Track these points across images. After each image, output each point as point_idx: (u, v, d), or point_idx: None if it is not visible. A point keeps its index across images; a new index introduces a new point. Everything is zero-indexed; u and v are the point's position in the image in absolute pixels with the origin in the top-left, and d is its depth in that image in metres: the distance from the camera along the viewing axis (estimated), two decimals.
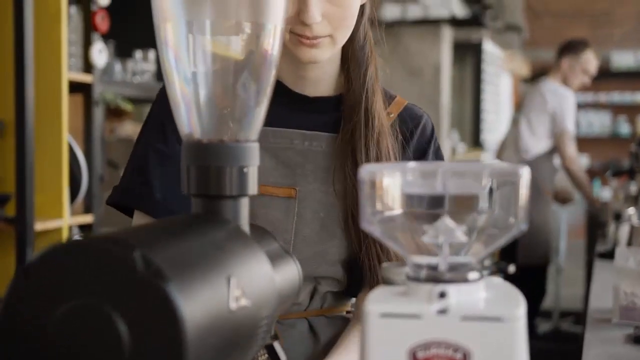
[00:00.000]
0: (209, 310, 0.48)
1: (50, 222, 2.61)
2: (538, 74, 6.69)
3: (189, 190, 0.59)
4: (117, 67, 3.16)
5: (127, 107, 3.23)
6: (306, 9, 1.02)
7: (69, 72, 2.70)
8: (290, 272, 0.67)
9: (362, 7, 1.14)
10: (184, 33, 0.59)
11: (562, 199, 4.43)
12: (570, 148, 3.98)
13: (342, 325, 1.19)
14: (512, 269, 0.60)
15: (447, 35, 5.17)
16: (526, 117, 4.08)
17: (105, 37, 2.98)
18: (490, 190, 0.58)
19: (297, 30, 1.05)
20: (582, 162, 5.67)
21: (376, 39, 1.20)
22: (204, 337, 0.47)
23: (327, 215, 1.13)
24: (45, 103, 2.59)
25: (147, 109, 1.18)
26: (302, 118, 1.15)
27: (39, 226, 2.51)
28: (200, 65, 0.59)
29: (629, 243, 2.16)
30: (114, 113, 3.60)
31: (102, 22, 2.89)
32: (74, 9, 2.80)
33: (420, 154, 1.20)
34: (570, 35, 5.05)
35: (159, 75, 3.28)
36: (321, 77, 1.16)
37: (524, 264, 3.77)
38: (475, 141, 6.45)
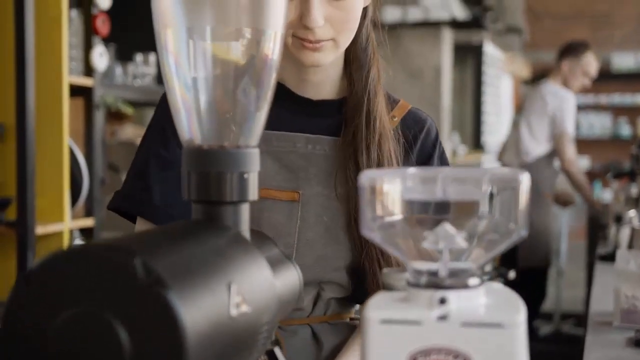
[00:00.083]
0: (210, 317, 0.48)
1: (51, 226, 2.60)
2: (538, 76, 6.71)
3: (190, 196, 0.59)
4: (118, 70, 3.17)
5: (128, 110, 3.24)
6: (309, 12, 1.02)
7: (70, 76, 2.70)
8: (290, 278, 0.67)
9: (365, 9, 1.13)
10: (184, 39, 0.59)
11: (563, 201, 4.43)
12: (569, 150, 3.98)
13: (345, 333, 1.17)
14: (512, 274, 0.60)
15: (448, 38, 5.18)
16: (527, 119, 4.08)
17: (106, 41, 2.98)
18: (491, 196, 0.58)
19: (299, 34, 1.05)
20: (581, 164, 5.66)
21: (378, 41, 1.19)
22: (205, 343, 0.47)
23: (330, 219, 1.12)
24: (45, 106, 2.59)
25: (147, 112, 1.18)
26: (305, 121, 1.15)
27: (40, 230, 2.50)
28: (200, 71, 0.59)
29: (630, 245, 2.16)
30: (115, 116, 3.60)
31: (103, 25, 2.89)
32: (74, 13, 2.81)
33: (425, 159, 1.19)
34: (570, 37, 5.05)
35: (160, 78, 3.29)
36: (324, 81, 1.16)
37: (524, 266, 3.77)
38: (476, 143, 6.45)
